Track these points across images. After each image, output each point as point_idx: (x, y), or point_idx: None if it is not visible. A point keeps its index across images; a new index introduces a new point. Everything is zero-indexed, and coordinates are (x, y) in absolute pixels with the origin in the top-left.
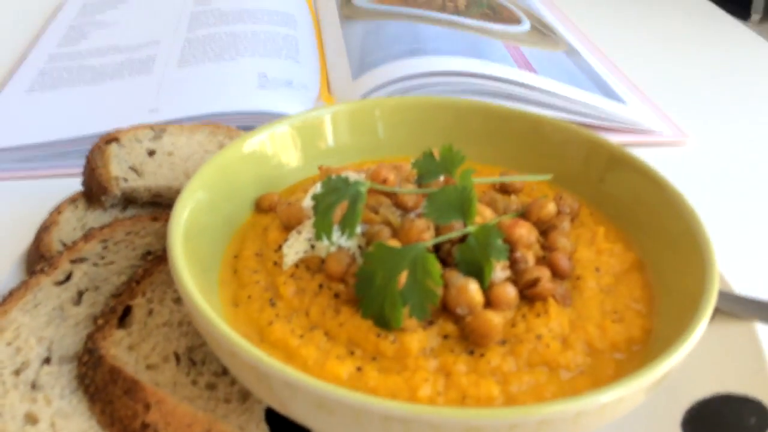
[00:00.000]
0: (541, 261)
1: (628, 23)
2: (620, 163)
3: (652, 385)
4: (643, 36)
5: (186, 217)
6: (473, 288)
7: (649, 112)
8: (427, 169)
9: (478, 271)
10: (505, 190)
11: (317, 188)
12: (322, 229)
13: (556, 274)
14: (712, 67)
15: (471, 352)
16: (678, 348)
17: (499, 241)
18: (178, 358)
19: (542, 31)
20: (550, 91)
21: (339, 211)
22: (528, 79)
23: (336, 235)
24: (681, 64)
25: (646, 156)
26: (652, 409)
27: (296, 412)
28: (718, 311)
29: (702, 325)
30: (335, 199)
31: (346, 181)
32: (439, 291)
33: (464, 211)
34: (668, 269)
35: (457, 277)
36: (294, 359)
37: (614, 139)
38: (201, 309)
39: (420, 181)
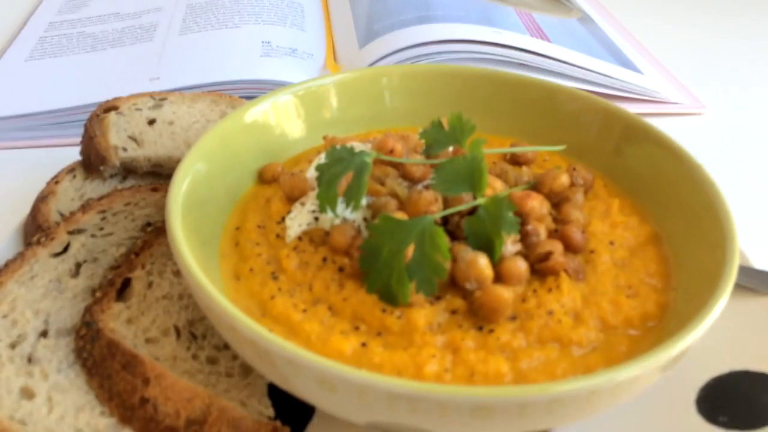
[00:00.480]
0: (553, 234)
1: None
2: (637, 133)
3: (669, 363)
4: (658, 2)
5: (185, 188)
6: (483, 262)
7: (665, 82)
8: (435, 139)
9: (487, 245)
10: (516, 161)
11: (321, 159)
12: (326, 201)
13: (569, 247)
14: (730, 35)
15: (480, 328)
16: (696, 326)
17: (510, 214)
18: (178, 331)
19: None
20: (563, 59)
21: (344, 182)
22: (540, 47)
23: (340, 207)
24: (698, 31)
25: (662, 126)
26: (666, 386)
27: (299, 389)
28: (736, 286)
29: (721, 303)
30: (340, 169)
31: (351, 151)
32: (447, 265)
33: (474, 182)
34: (686, 243)
35: (465, 251)
36: (297, 334)
37: (630, 109)
38: (201, 283)
39: (428, 152)
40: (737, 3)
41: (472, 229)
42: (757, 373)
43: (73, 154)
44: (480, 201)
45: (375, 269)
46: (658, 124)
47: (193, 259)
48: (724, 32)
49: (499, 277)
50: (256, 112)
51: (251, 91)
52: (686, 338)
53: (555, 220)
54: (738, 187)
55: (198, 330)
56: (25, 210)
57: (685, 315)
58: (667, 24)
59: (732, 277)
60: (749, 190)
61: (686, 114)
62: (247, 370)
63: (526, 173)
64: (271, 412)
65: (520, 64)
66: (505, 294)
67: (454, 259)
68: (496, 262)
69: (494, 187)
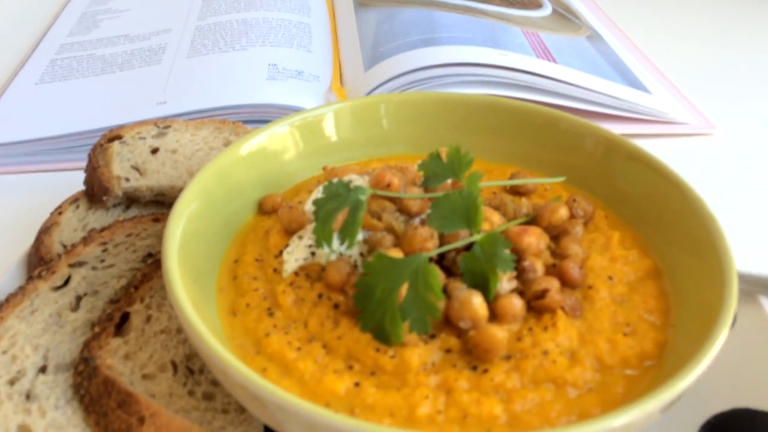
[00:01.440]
0: (551, 269)
1: (656, 6)
2: (639, 163)
3: (666, 406)
4: (669, 19)
5: (183, 223)
6: (477, 301)
7: (674, 101)
8: (433, 171)
9: (483, 282)
10: (516, 191)
11: (319, 192)
12: (322, 237)
13: (566, 283)
14: (742, 55)
15: (474, 368)
16: (694, 366)
17: (506, 251)
18: (175, 367)
19: (564, 15)
20: (569, 81)
21: (340, 218)
22: (546, 70)
23: (337, 242)
24: (710, 50)
25: (671, 147)
26: (665, 423)
27: None
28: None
29: (720, 340)
30: (336, 205)
31: (347, 186)
32: (441, 305)
33: (469, 218)
34: (686, 277)
35: (460, 289)
36: (290, 373)
37: (638, 129)
38: (193, 325)
39: (426, 184)
40: (749, 21)
41: (468, 267)
42: (760, 411)
43: (79, 178)
44: (476, 237)
45: (369, 309)
46: (666, 145)
47: (187, 299)
48: (735, 50)
49: (494, 315)
50: (254, 144)
51: (257, 115)
52: (684, 380)
53: (554, 253)
54: (748, 210)
55: (195, 365)
56: (32, 236)
57: (683, 354)
58: (677, 41)
59: (730, 315)
60: (760, 213)
61: (695, 134)
62: (243, 406)
63: (525, 205)
64: None
65: (526, 86)
66: (499, 335)
67: (449, 297)
68: (491, 300)
69: (491, 221)
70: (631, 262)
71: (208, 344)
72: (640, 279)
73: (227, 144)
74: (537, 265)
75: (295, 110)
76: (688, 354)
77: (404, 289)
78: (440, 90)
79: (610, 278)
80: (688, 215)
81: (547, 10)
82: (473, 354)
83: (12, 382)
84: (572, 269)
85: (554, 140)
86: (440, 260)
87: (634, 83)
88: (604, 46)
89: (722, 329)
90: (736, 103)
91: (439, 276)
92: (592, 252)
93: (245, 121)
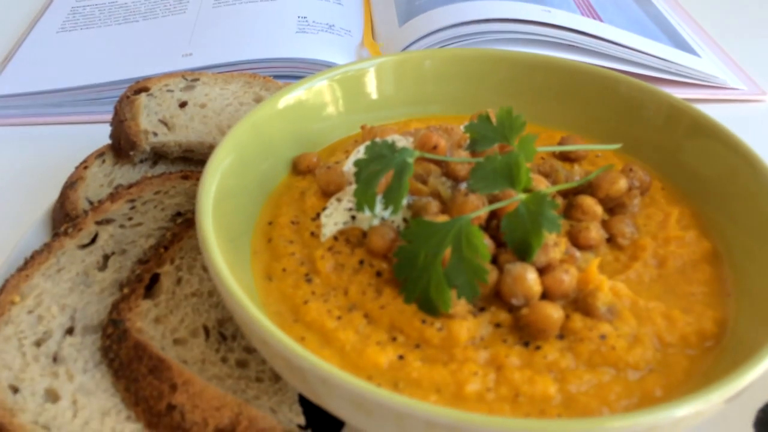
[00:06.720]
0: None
1: None
2: (704, 133)
3: (735, 395)
4: None
5: (217, 182)
6: (531, 277)
7: (723, 66)
8: (481, 134)
9: (525, 244)
10: (566, 157)
11: (360, 152)
12: (364, 200)
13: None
14: None
15: (526, 344)
16: (765, 356)
17: (552, 212)
18: (207, 332)
19: None
20: (616, 41)
21: (383, 181)
22: (592, 28)
23: (379, 206)
24: (759, 12)
25: (719, 113)
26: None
27: (331, 407)
28: None
29: None
30: (380, 167)
31: (392, 147)
32: (492, 276)
33: (512, 177)
34: (751, 260)
35: (513, 264)
36: (330, 343)
37: (687, 94)
38: (234, 293)
39: (473, 147)
40: None
41: (510, 226)
42: None
43: (104, 131)
44: (520, 197)
45: (411, 278)
46: (714, 111)
47: (223, 262)
48: None
49: (545, 293)
50: (290, 99)
51: (285, 70)
52: (753, 370)
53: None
54: None
55: (228, 330)
56: (56, 190)
57: (749, 341)
58: (723, 1)
59: None
60: None
61: (745, 101)
62: (277, 375)
63: (577, 172)
64: (302, 419)
65: (570, 45)
66: (555, 315)
67: (500, 271)
68: (533, 262)
69: (539, 186)
70: (687, 245)
71: (247, 312)
72: (696, 261)
73: (258, 99)
74: (583, 203)
75: (326, 65)
76: (755, 342)
77: (448, 255)
78: (478, 48)
79: (663, 260)
80: (758, 194)
81: None
82: (525, 332)
83: (38, 344)
84: (626, 225)
85: (610, 105)
86: (487, 228)
87: (682, 45)
88: (651, 6)
89: None
90: None
91: (482, 236)
92: (644, 233)
93: (273, 76)
